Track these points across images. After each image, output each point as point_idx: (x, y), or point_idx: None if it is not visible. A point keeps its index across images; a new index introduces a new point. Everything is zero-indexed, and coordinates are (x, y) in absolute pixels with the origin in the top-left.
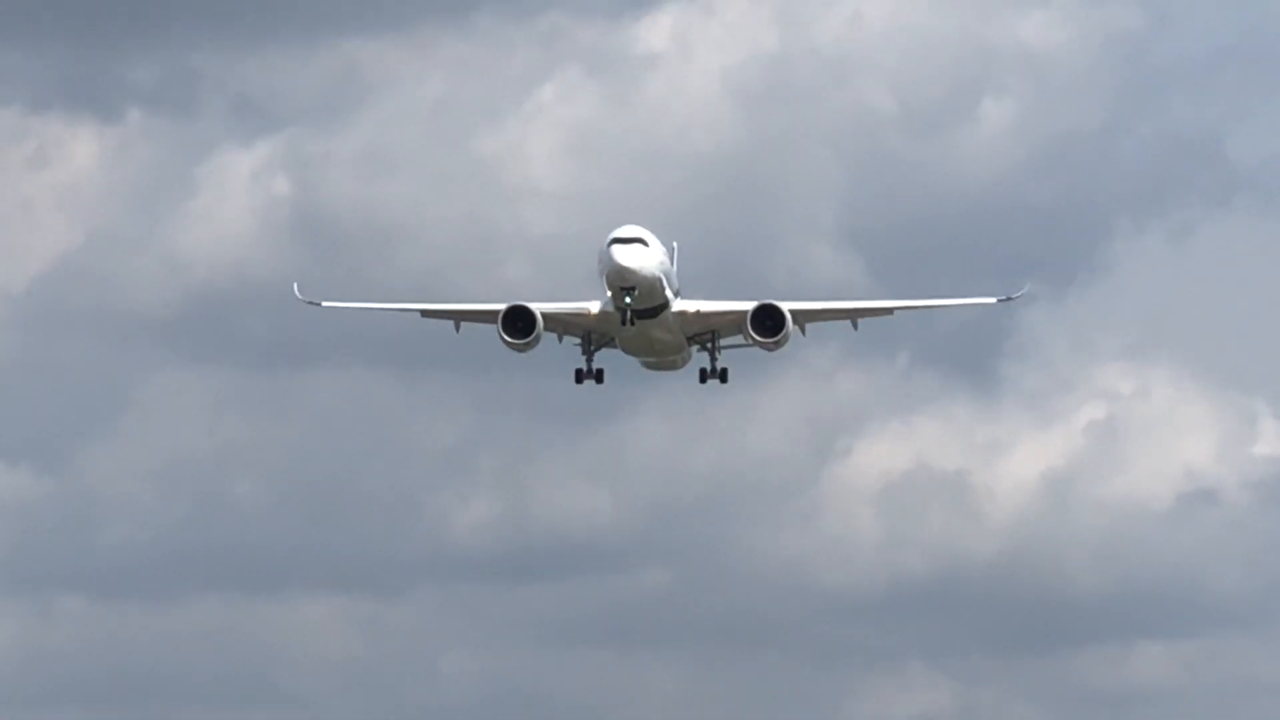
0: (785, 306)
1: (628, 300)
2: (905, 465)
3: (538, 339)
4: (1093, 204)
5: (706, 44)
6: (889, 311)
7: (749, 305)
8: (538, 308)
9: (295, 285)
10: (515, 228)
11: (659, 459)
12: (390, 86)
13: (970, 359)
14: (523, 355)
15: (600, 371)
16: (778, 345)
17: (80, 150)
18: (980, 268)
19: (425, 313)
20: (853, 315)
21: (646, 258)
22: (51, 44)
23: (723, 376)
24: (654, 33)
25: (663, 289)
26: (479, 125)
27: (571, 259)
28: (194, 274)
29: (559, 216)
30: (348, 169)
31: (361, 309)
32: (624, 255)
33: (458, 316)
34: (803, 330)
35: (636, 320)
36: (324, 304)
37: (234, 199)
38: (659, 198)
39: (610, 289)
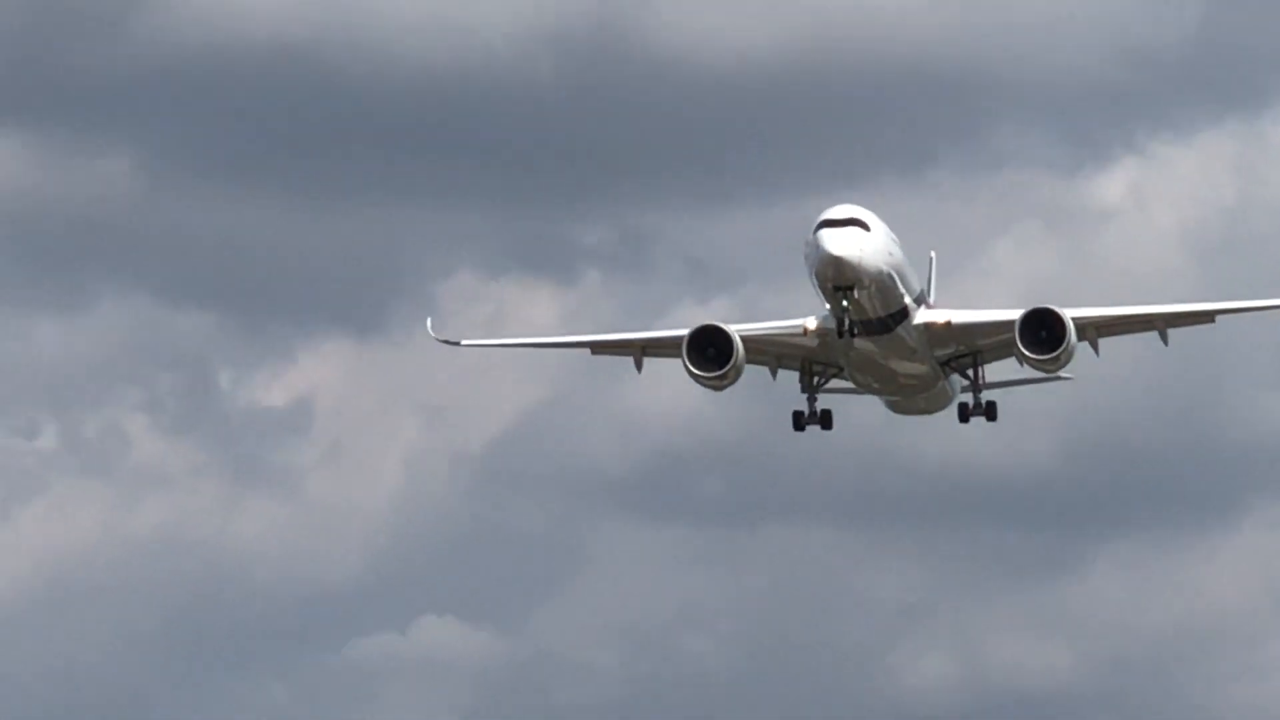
0: (1067, 313)
1: (845, 305)
2: None
3: (736, 370)
4: None
5: (1162, 197)
6: (1209, 318)
7: (1017, 313)
8: (736, 330)
9: (429, 321)
10: None
11: (1102, 606)
12: None
13: None
14: (720, 394)
15: (827, 414)
16: (1056, 364)
17: (538, 312)
18: None
19: (596, 348)
20: (1160, 323)
21: (867, 244)
22: (506, 207)
23: (989, 412)
24: (1110, 187)
25: (897, 290)
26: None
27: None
28: (650, 433)
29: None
30: None
31: (518, 346)
32: (835, 241)
33: (635, 348)
34: (1094, 347)
35: (863, 335)
36: (463, 343)
37: None
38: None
39: (821, 290)
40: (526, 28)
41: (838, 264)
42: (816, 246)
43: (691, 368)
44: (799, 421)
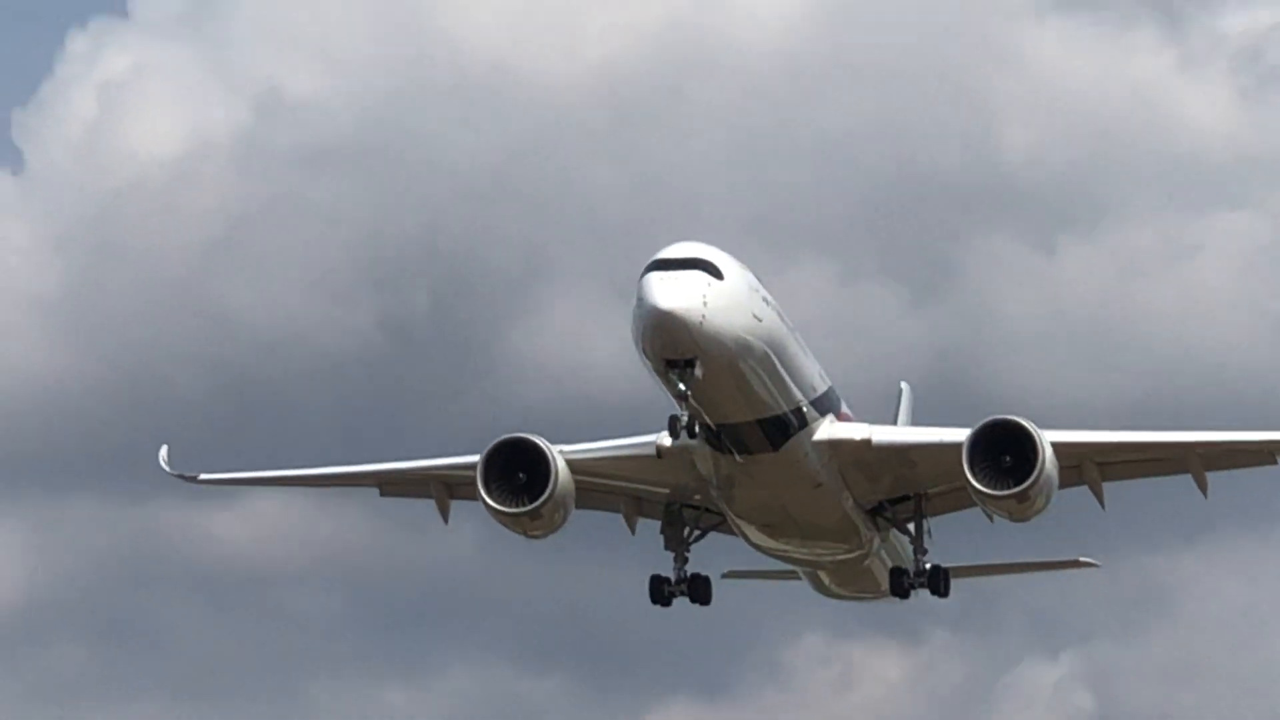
0: (1046, 437)
1: (682, 389)
2: None
3: (557, 506)
4: None
5: None
6: (1271, 456)
7: (964, 433)
8: (561, 450)
9: (163, 452)
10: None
11: None
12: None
13: None
14: (541, 541)
15: (700, 582)
16: (1025, 505)
17: (888, 670)
18: None
19: (385, 488)
20: (1194, 461)
21: (715, 296)
22: None
23: (934, 581)
24: None
25: (779, 378)
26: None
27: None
28: None
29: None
30: (1149, 679)
31: (268, 482)
32: (664, 290)
33: (435, 482)
34: (1098, 495)
35: (733, 449)
36: (201, 477)
37: (1032, 713)
38: None
39: (651, 364)
40: None
41: (666, 322)
42: (639, 299)
43: (490, 500)
44: (659, 592)
